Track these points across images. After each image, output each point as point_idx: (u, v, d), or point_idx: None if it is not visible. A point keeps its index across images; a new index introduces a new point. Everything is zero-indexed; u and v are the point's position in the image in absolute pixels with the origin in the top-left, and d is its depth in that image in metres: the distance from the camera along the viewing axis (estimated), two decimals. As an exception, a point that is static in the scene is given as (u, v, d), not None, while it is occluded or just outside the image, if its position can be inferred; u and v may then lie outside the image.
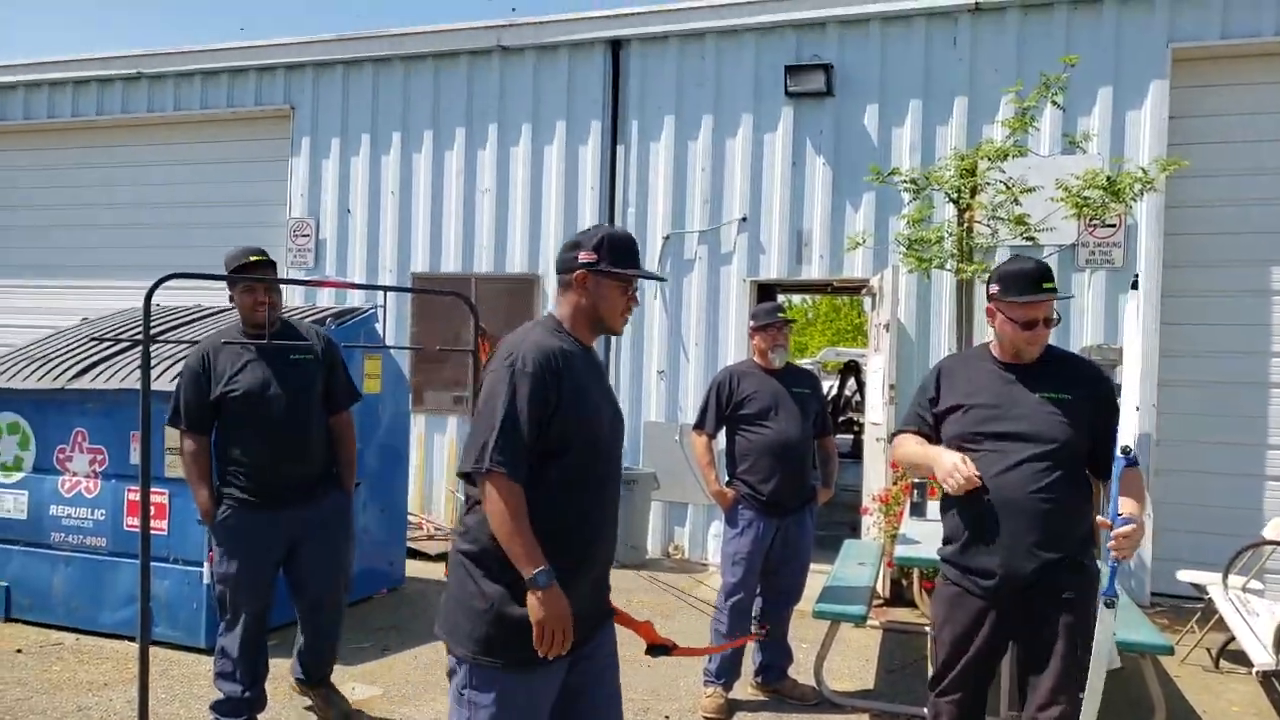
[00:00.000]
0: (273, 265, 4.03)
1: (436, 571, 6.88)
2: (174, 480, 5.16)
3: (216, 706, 4.03)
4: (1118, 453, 2.77)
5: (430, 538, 8.23)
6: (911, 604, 6.54)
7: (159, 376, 5.22)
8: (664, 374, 8.40)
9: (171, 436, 5.12)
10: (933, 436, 3.12)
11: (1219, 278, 7.17)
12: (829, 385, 17.80)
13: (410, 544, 7.39)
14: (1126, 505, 2.78)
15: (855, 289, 8.11)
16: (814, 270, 8.02)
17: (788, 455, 4.60)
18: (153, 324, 6.01)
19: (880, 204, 7.75)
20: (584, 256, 2.53)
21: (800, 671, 4.99)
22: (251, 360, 3.98)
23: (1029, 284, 2.94)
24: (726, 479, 4.81)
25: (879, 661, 5.51)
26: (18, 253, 10.54)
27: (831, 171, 7.93)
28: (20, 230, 10.59)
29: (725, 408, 4.72)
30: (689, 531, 8.26)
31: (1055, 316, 2.99)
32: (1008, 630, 2.97)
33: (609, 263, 2.53)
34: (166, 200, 9.96)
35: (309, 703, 4.42)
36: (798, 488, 4.66)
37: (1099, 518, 2.71)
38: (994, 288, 3.03)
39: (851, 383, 15.98)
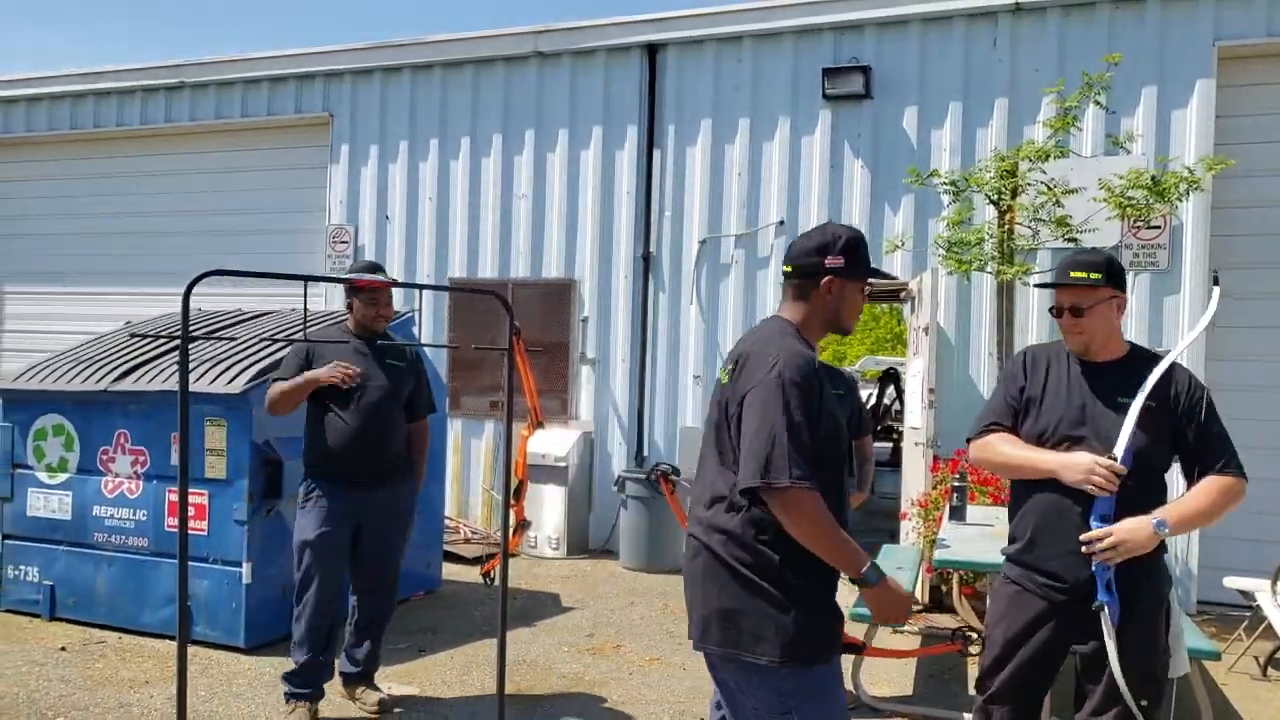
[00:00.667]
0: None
1: (473, 574, 6.89)
2: (214, 481, 5.22)
3: (289, 677, 4.30)
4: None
5: (467, 541, 8.25)
6: (951, 610, 6.44)
7: (200, 378, 5.29)
8: (699, 379, 8.36)
9: (212, 437, 5.20)
10: (1018, 430, 2.97)
11: (1267, 279, 7.01)
12: (868, 394, 17.64)
13: (447, 547, 7.42)
14: (1178, 508, 2.75)
15: (894, 293, 8.03)
16: (851, 274, 7.92)
17: None
18: (195, 326, 6.09)
19: (919, 207, 7.67)
20: (831, 262, 2.50)
21: (838, 677, 4.93)
22: (357, 358, 4.30)
23: (1058, 270, 2.94)
24: None
25: (918, 666, 5.43)
26: (68, 260, 10.76)
27: (870, 174, 7.87)
28: (69, 238, 10.81)
29: None
30: (725, 537, 8.19)
31: (1082, 306, 2.85)
32: (1068, 638, 2.87)
33: (853, 266, 2.53)
34: (209, 208, 10.12)
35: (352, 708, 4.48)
36: None
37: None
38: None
39: (890, 390, 15.79)
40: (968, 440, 3.11)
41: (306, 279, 3.17)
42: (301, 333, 4.07)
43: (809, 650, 2.33)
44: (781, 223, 8.12)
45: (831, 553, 2.32)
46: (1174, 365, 2.89)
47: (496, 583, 4.02)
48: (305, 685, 4.29)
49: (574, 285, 8.76)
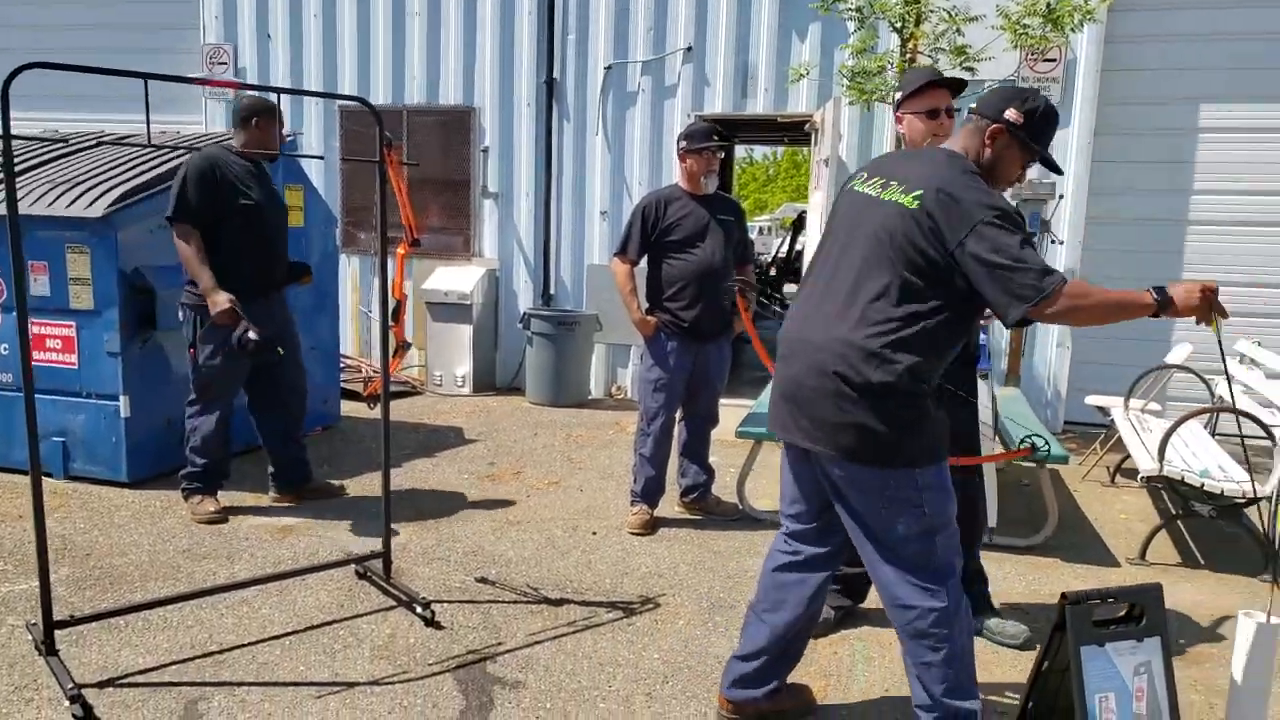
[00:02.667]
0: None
1: (370, 411, 6.83)
2: (81, 311, 4.96)
3: (187, 475, 4.64)
4: None
5: (368, 381, 8.15)
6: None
7: (55, 200, 4.94)
8: (606, 215, 8.20)
9: (75, 265, 4.91)
10: None
11: (1151, 115, 7.14)
12: (781, 239, 17.71)
13: (345, 385, 7.31)
14: None
15: (799, 124, 7.89)
16: (759, 105, 7.76)
17: (711, 282, 4.54)
18: (47, 151, 5.66)
19: (826, 35, 7.46)
20: (1011, 114, 2.52)
21: (724, 491, 5.10)
22: (255, 179, 4.57)
23: (925, 80, 3.30)
24: (647, 306, 4.74)
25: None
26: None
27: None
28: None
29: (651, 234, 4.61)
30: (630, 373, 8.27)
31: (955, 107, 3.29)
32: None
33: (1029, 134, 2.53)
34: (68, 23, 9.28)
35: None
36: (719, 315, 4.62)
37: None
38: (897, 95, 3.39)
39: (802, 237, 15.85)
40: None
41: (146, 76, 2.92)
42: (171, 151, 3.80)
43: (934, 453, 2.52)
44: (689, 49, 7.82)
45: (1122, 306, 2.38)
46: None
47: (378, 407, 3.98)
48: (206, 481, 4.64)
49: (473, 113, 8.38)
